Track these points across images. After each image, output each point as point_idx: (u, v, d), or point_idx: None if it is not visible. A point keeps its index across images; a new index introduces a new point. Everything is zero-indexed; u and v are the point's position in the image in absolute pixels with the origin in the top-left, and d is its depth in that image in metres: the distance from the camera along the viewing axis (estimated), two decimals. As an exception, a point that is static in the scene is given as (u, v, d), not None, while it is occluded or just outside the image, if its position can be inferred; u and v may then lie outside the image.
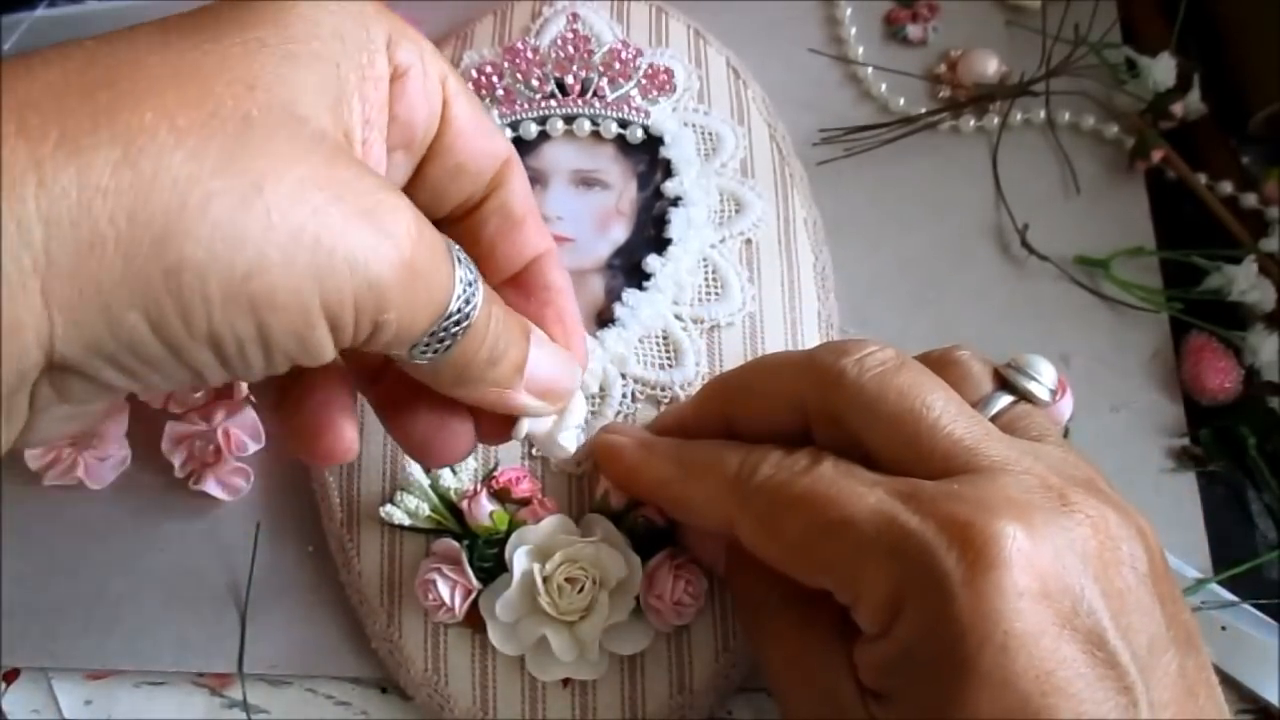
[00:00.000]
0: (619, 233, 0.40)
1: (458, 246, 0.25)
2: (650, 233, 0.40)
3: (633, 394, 0.37)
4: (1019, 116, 0.44)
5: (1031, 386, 0.31)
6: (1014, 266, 0.42)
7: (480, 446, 0.35)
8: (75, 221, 0.18)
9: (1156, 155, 0.43)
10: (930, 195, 0.44)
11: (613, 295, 0.38)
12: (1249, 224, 0.42)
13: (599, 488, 0.36)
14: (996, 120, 0.44)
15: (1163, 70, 0.43)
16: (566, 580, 0.33)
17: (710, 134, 0.42)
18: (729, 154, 0.41)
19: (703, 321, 0.38)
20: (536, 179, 0.40)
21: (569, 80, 0.41)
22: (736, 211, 0.40)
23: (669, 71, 0.42)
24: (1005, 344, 0.34)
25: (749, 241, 0.40)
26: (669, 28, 0.44)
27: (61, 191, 0.18)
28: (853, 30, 0.47)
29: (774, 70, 0.45)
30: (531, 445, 0.36)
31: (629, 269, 0.39)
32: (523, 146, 0.41)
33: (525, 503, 0.35)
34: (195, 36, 0.22)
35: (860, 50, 0.46)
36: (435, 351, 0.25)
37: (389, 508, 0.36)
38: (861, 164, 0.44)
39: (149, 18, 0.45)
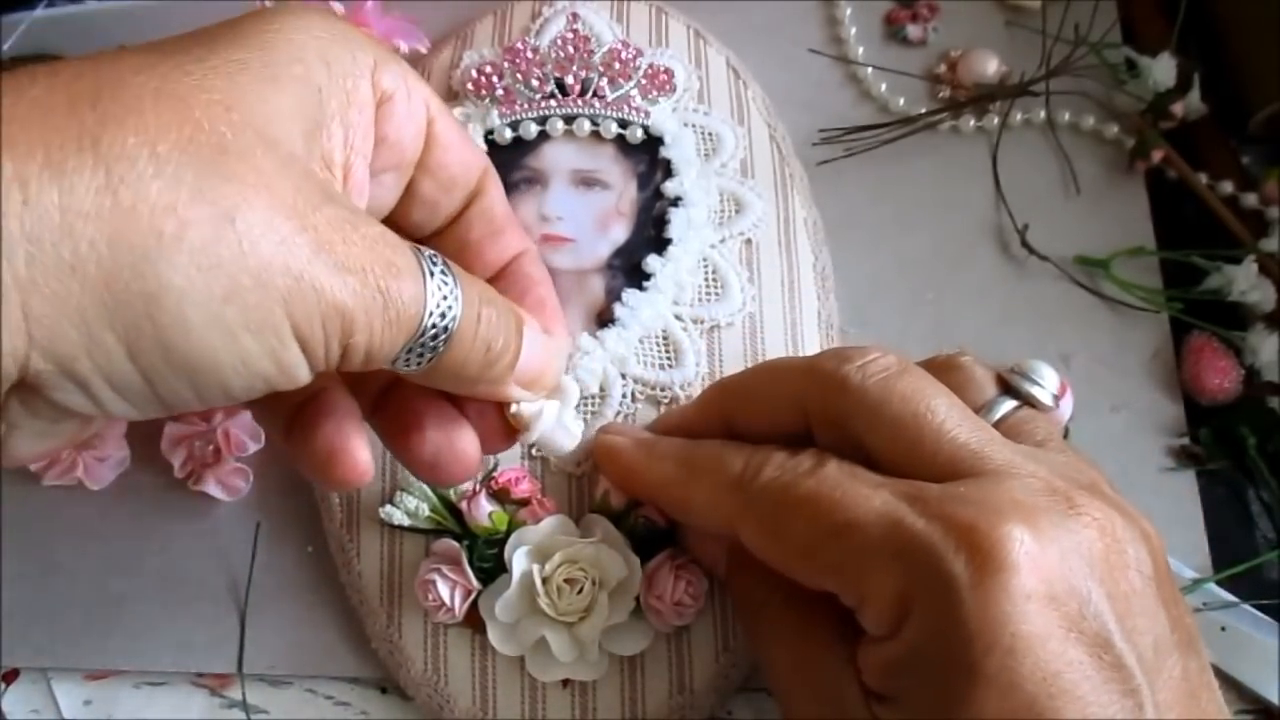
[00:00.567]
0: (619, 233, 0.40)
1: (436, 256, 0.25)
2: (650, 233, 0.40)
3: (633, 394, 0.37)
4: (1019, 116, 0.44)
5: (1034, 391, 0.31)
6: (1014, 266, 0.42)
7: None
8: (57, 242, 0.19)
9: (1156, 155, 0.43)
10: (930, 195, 0.44)
11: (613, 295, 0.38)
12: (1249, 224, 0.42)
13: (599, 488, 0.36)
14: (996, 120, 0.44)
15: (1163, 70, 0.43)
16: (566, 581, 0.33)
17: (710, 134, 0.42)
18: (729, 154, 0.41)
19: (703, 322, 0.38)
20: (537, 179, 0.40)
21: (569, 80, 0.41)
22: (736, 212, 0.40)
23: (669, 72, 0.42)
24: (1005, 344, 0.34)
25: (749, 242, 0.40)
26: (669, 28, 0.44)
27: (45, 212, 0.19)
28: (853, 30, 0.47)
29: (774, 70, 0.45)
30: (532, 445, 0.36)
31: (629, 269, 0.39)
32: (523, 146, 0.41)
33: (525, 503, 0.35)
34: (180, 57, 0.22)
35: (860, 50, 0.46)
36: (418, 364, 0.25)
37: (388, 508, 0.36)
38: (861, 164, 0.44)
39: (148, 17, 0.45)
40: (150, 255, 0.19)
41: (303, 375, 0.23)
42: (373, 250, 0.23)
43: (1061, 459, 0.28)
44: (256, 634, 0.37)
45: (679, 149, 0.41)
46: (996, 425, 0.30)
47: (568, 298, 0.38)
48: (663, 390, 0.37)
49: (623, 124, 0.41)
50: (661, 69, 0.42)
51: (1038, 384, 0.31)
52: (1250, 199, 0.42)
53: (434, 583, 0.34)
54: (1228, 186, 0.43)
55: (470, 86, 0.42)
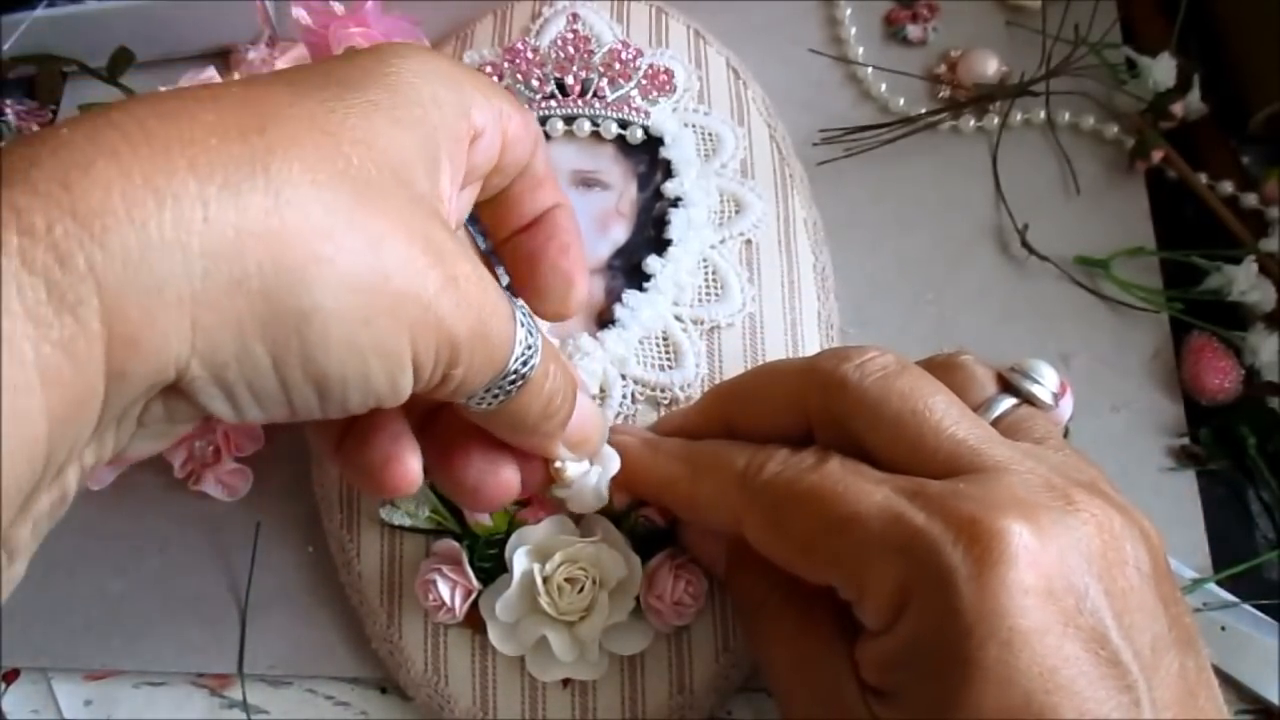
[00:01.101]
0: (619, 233, 0.40)
1: (524, 307, 0.27)
2: (650, 233, 0.40)
3: (633, 395, 0.37)
4: (1019, 116, 0.44)
5: (1034, 389, 0.31)
6: (1014, 266, 0.42)
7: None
8: (230, 258, 0.20)
9: (1156, 155, 0.43)
10: (930, 195, 0.44)
11: (613, 296, 0.38)
12: (1249, 224, 0.42)
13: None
14: (996, 120, 0.44)
15: (1163, 70, 0.43)
16: (566, 580, 0.33)
17: (710, 134, 0.42)
18: (729, 154, 0.41)
19: (703, 322, 0.38)
20: (536, 179, 0.41)
21: (569, 81, 0.41)
22: (736, 212, 0.40)
23: (669, 72, 0.42)
24: (1005, 344, 0.34)
25: (749, 242, 0.40)
26: (669, 28, 0.44)
27: (221, 231, 0.20)
28: (853, 30, 0.47)
29: (774, 70, 0.45)
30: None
31: (629, 270, 0.39)
32: (523, 147, 0.41)
33: (525, 503, 0.35)
34: (321, 94, 0.24)
35: (860, 50, 0.46)
36: (490, 403, 0.27)
37: (388, 509, 0.36)
38: (861, 164, 0.44)
39: (148, 17, 0.45)
40: (308, 276, 0.21)
41: (405, 396, 0.24)
42: (483, 291, 0.24)
43: (1060, 457, 0.28)
44: (256, 634, 0.37)
45: (679, 149, 0.41)
46: (995, 423, 0.30)
47: (568, 298, 0.39)
48: (663, 391, 0.37)
49: (623, 124, 0.41)
50: (661, 69, 0.42)
51: (1037, 382, 0.31)
52: (1250, 199, 0.42)
53: (434, 582, 0.34)
54: (1228, 186, 0.43)
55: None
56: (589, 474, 0.32)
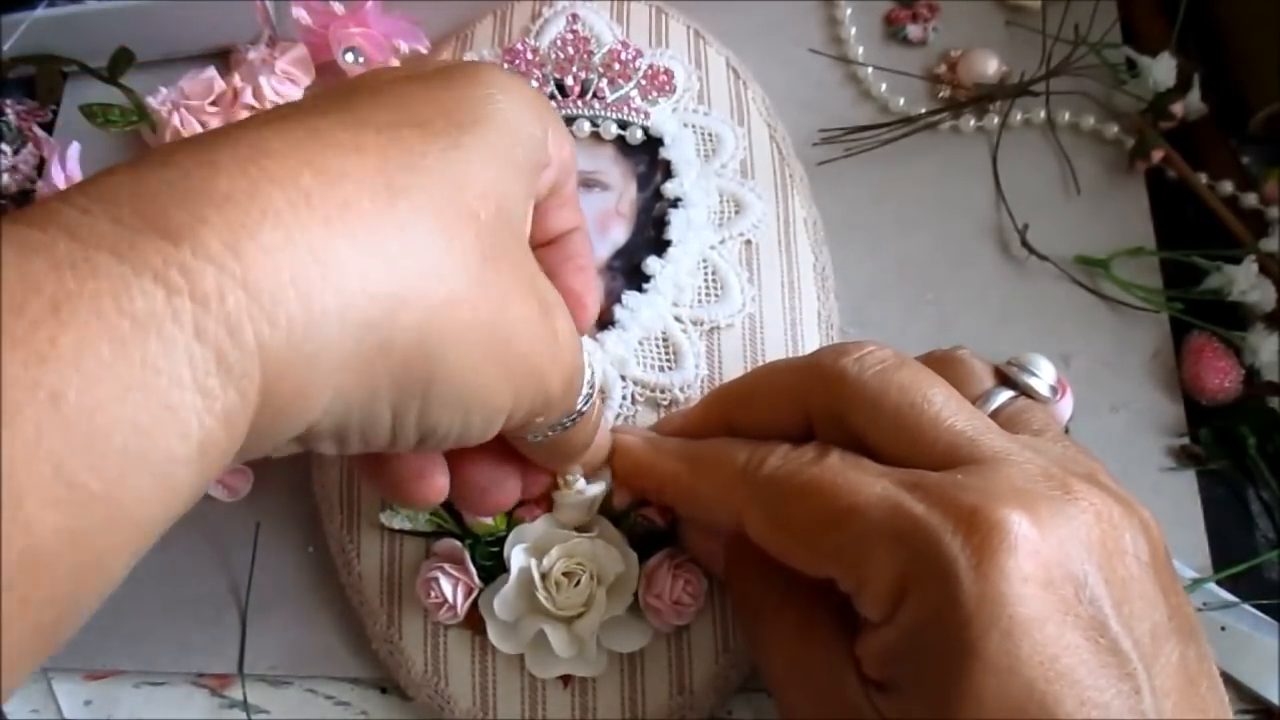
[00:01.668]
0: (619, 234, 0.40)
1: (587, 353, 0.28)
2: (650, 234, 0.40)
3: (632, 396, 0.37)
4: (1019, 116, 0.44)
5: (1032, 382, 0.31)
6: (1014, 266, 0.42)
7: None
8: (379, 327, 0.21)
9: (1156, 155, 0.43)
10: (930, 195, 0.44)
11: (613, 297, 0.38)
12: (1249, 224, 0.42)
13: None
14: (996, 120, 0.44)
15: (1163, 70, 0.43)
16: (563, 575, 0.33)
17: (710, 135, 0.42)
18: (729, 155, 0.41)
19: (702, 323, 0.38)
20: (536, 179, 0.41)
21: (569, 81, 0.41)
22: (736, 212, 0.40)
23: (669, 72, 0.42)
24: (1005, 344, 0.34)
25: (749, 242, 0.40)
26: (669, 28, 0.44)
27: (374, 299, 0.20)
28: (853, 30, 0.46)
29: (774, 70, 0.45)
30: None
31: (629, 270, 0.39)
32: (523, 147, 0.41)
33: (523, 503, 0.35)
34: (441, 139, 0.23)
35: (860, 50, 0.46)
36: (545, 437, 0.28)
37: (388, 513, 0.36)
38: (862, 164, 0.44)
39: (149, 17, 0.45)
40: (445, 342, 0.22)
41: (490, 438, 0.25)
42: (574, 345, 0.26)
43: (1059, 448, 0.28)
44: (257, 634, 0.37)
45: (679, 150, 0.41)
46: (994, 416, 0.30)
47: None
48: (662, 392, 0.37)
49: (622, 125, 0.41)
50: (661, 70, 0.42)
51: (1034, 375, 0.31)
52: (1250, 199, 0.42)
53: (437, 580, 0.34)
54: (1228, 186, 0.43)
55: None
56: (591, 493, 0.34)
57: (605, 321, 0.38)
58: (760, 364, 0.38)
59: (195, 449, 0.18)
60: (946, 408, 0.28)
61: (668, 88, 0.42)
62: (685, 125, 0.42)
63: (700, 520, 0.34)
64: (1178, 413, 0.40)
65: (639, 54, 0.42)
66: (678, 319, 0.38)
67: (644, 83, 0.41)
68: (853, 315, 0.41)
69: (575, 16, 0.43)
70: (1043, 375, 0.31)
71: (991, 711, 0.23)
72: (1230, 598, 0.37)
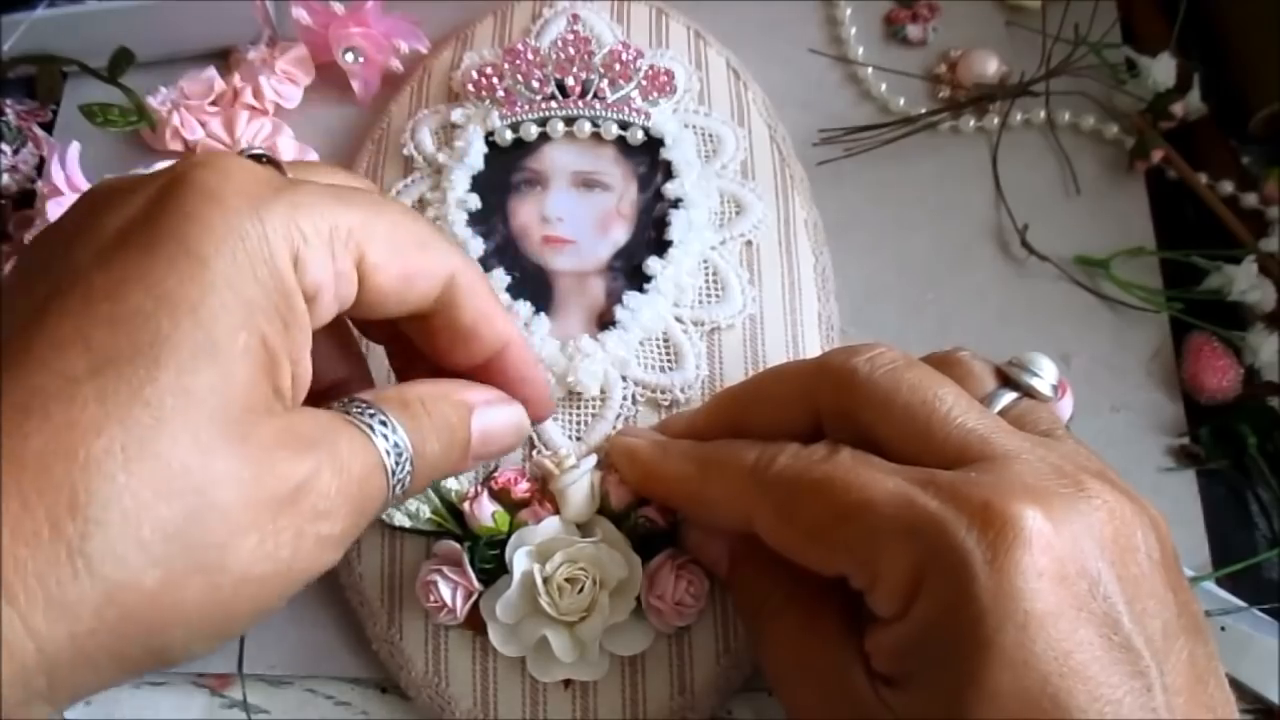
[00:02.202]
0: (620, 235, 0.40)
1: (370, 410, 0.26)
2: (651, 235, 0.40)
3: (633, 397, 0.37)
4: (1019, 116, 0.44)
5: (1034, 382, 0.31)
6: (1014, 266, 0.42)
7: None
8: (105, 621, 0.21)
9: (1156, 155, 0.43)
10: (930, 196, 0.44)
11: (613, 298, 0.38)
12: (1249, 224, 0.42)
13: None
14: (996, 120, 0.44)
15: (1163, 70, 0.43)
16: (567, 580, 0.33)
17: (711, 135, 0.42)
18: (729, 155, 0.41)
19: (703, 324, 0.38)
20: (537, 180, 0.41)
21: (569, 82, 0.41)
22: (737, 213, 0.40)
23: (669, 73, 0.42)
24: (1005, 344, 0.34)
25: (749, 243, 0.40)
26: (669, 29, 0.44)
27: (118, 599, 0.21)
28: (853, 30, 0.47)
29: (774, 71, 0.45)
30: (533, 446, 0.36)
31: (630, 271, 0.39)
32: (523, 148, 0.41)
33: (525, 504, 0.35)
34: (153, 370, 0.22)
35: (860, 50, 0.46)
36: (399, 492, 0.27)
37: (389, 510, 0.35)
38: (862, 164, 0.44)
39: (149, 17, 0.45)
40: (167, 626, 0.22)
41: None
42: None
43: (1068, 447, 0.29)
44: (257, 634, 0.37)
45: (679, 150, 0.41)
46: (1000, 416, 0.30)
47: (568, 300, 0.39)
48: (663, 393, 0.37)
49: (623, 125, 0.41)
50: (662, 70, 0.42)
51: (1036, 375, 0.31)
52: (1250, 199, 0.42)
53: (435, 584, 0.34)
54: (1228, 186, 0.43)
55: (471, 88, 0.42)
56: (580, 480, 0.34)
57: (606, 322, 0.38)
58: (761, 365, 0.38)
59: None
60: (957, 406, 0.28)
61: (668, 88, 0.42)
62: (686, 126, 0.42)
63: (708, 522, 0.34)
64: (1177, 412, 0.40)
65: (639, 55, 0.42)
66: (678, 319, 0.38)
67: (645, 83, 0.42)
68: (853, 316, 0.41)
69: (576, 17, 0.43)
70: (1045, 375, 0.31)
71: (1005, 706, 0.23)
72: (1230, 598, 0.37)
